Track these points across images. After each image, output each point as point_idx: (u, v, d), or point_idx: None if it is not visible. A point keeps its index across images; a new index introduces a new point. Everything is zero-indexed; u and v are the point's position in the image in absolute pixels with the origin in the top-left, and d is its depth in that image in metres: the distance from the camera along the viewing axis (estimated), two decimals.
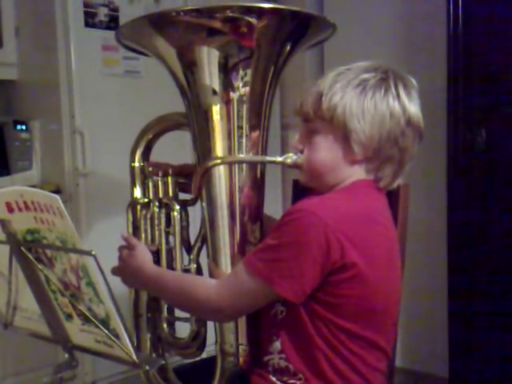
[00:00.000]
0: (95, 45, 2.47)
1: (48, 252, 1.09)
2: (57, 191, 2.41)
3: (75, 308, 1.09)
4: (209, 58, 1.32)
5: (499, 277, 2.25)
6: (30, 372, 2.37)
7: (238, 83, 1.34)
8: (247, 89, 1.34)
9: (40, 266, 1.09)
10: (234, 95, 1.34)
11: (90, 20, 2.46)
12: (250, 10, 1.28)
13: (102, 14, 2.49)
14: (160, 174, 1.46)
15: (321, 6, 2.99)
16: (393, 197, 1.36)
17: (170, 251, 1.43)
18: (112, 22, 2.50)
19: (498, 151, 2.24)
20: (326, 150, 1.25)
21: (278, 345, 1.26)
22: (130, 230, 1.47)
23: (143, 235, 1.45)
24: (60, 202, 1.02)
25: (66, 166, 2.46)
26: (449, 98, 2.32)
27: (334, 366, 1.22)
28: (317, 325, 1.21)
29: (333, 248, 1.14)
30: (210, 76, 1.33)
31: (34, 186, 2.38)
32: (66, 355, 1.16)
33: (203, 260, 1.43)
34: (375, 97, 1.21)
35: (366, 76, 1.22)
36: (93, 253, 1.00)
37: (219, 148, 1.36)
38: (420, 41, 2.62)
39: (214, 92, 1.34)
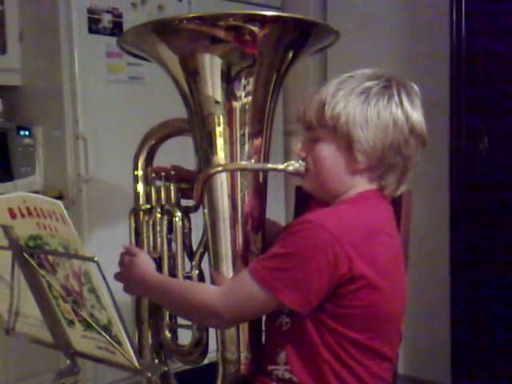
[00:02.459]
0: (99, 51, 2.47)
1: (50, 258, 1.09)
2: (59, 197, 2.42)
3: (77, 314, 1.09)
4: (211, 66, 1.32)
5: (502, 284, 2.24)
6: (32, 378, 2.37)
7: (241, 90, 1.33)
8: (250, 96, 1.34)
9: (42, 272, 1.09)
10: (236, 102, 1.34)
11: (93, 26, 2.46)
12: (253, 18, 1.28)
13: (106, 20, 2.49)
14: (163, 180, 1.46)
15: (324, 12, 2.99)
16: (395, 204, 1.35)
17: (172, 258, 1.43)
18: (116, 29, 2.51)
19: (501, 158, 2.24)
20: (328, 159, 1.24)
21: (283, 356, 1.25)
22: (133, 236, 1.47)
23: (145, 241, 1.45)
24: (63, 208, 1.02)
25: (69, 171, 2.46)
26: (451, 105, 2.32)
27: (339, 377, 1.21)
28: (323, 336, 1.20)
29: (340, 261, 1.13)
30: (213, 83, 1.33)
31: (36, 192, 2.39)
32: (68, 361, 1.16)
33: (205, 267, 1.43)
34: (378, 105, 1.20)
35: (368, 84, 1.22)
36: (95, 259, 0.99)
37: (221, 155, 1.36)
38: (423, 48, 2.62)
39: (217, 99, 1.34)
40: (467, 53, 2.25)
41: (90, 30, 2.46)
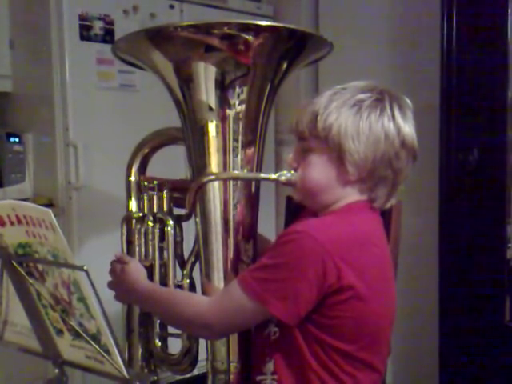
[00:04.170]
0: (90, 58, 2.47)
1: (39, 266, 1.08)
2: (49, 204, 2.41)
3: (66, 323, 1.08)
4: (206, 74, 1.32)
5: (490, 295, 2.25)
6: None
7: (234, 100, 1.34)
8: (243, 106, 1.34)
9: (31, 281, 1.09)
10: (229, 112, 1.34)
11: (85, 33, 2.46)
12: (247, 28, 1.28)
13: (98, 27, 2.49)
14: (155, 188, 1.46)
15: (316, 22, 3.01)
16: (386, 214, 1.36)
17: (163, 266, 1.43)
18: (107, 36, 2.50)
19: (490, 171, 2.25)
20: (320, 170, 1.24)
21: (270, 366, 1.25)
22: (124, 244, 1.47)
23: (137, 250, 1.44)
24: (52, 216, 1.02)
25: (59, 179, 2.45)
26: (441, 117, 2.33)
27: None
28: (311, 346, 1.20)
29: (329, 271, 1.13)
30: (207, 92, 1.33)
31: (26, 199, 2.38)
32: (56, 370, 1.15)
33: (197, 276, 1.42)
34: (370, 118, 1.21)
35: (361, 96, 1.22)
36: (85, 268, 0.99)
37: (214, 164, 1.36)
38: (413, 61, 2.63)
39: (210, 108, 1.34)
40: (457, 65, 2.27)
41: (82, 37, 2.45)
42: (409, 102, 1.27)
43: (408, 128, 1.24)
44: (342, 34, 2.65)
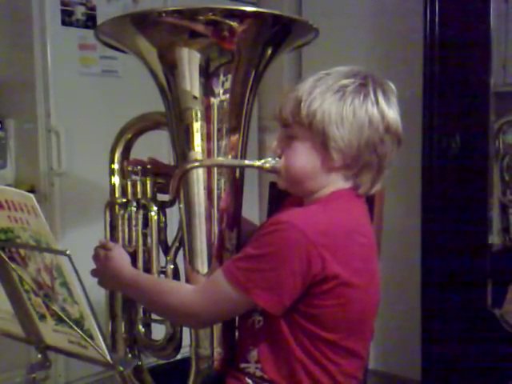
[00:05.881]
0: (72, 43, 2.45)
1: (22, 251, 1.07)
2: (31, 191, 2.39)
3: (49, 308, 1.08)
4: (190, 60, 1.31)
5: (472, 281, 2.27)
6: (3, 372, 2.34)
7: (219, 87, 1.33)
8: (228, 93, 1.33)
9: (13, 266, 1.08)
10: (214, 98, 1.33)
11: (66, 18, 2.44)
12: (232, 13, 1.27)
13: (79, 12, 2.47)
14: (139, 174, 1.45)
15: (299, 8, 3.00)
16: (369, 200, 1.36)
17: (147, 252, 1.42)
18: (89, 21, 2.49)
19: (472, 157, 2.26)
20: (304, 157, 1.23)
21: (254, 354, 1.26)
22: (108, 230, 1.46)
23: (120, 235, 1.44)
24: (34, 200, 1.01)
25: (41, 165, 2.44)
26: (424, 103, 2.34)
27: (312, 375, 1.22)
28: (296, 335, 1.21)
29: (314, 262, 1.13)
30: (191, 78, 1.32)
31: (8, 186, 2.36)
32: (39, 356, 1.15)
33: (181, 262, 1.42)
34: (354, 103, 1.19)
35: (345, 82, 1.21)
36: (67, 252, 0.98)
37: (198, 150, 1.35)
38: (396, 47, 2.64)
39: (195, 94, 1.33)
40: (440, 51, 2.27)
41: (63, 23, 2.43)
42: (393, 86, 1.26)
43: (392, 113, 1.23)
44: (325, 20, 2.64)
